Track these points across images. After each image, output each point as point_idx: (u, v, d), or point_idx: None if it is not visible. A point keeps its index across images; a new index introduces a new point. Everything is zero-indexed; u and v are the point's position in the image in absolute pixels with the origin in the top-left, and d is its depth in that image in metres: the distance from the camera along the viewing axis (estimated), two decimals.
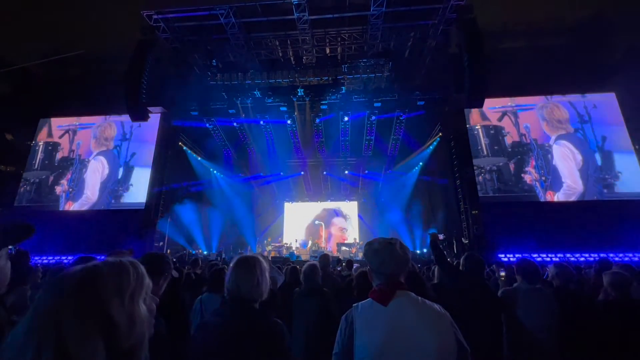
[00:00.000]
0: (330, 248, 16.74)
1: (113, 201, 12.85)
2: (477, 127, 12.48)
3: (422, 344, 1.16)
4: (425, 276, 4.82)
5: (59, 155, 13.86)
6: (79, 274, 0.60)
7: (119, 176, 13.16)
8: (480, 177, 11.80)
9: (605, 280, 2.46)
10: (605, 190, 11.13)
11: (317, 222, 18.38)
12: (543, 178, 11.47)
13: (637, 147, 11.59)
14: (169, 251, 12.22)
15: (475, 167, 11.84)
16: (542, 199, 11.31)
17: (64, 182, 13.34)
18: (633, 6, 11.24)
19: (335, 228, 18.55)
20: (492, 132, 12.37)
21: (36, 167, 13.75)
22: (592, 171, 11.37)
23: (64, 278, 0.59)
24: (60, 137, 14.18)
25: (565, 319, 2.33)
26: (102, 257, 0.84)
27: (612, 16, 12.03)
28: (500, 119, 12.50)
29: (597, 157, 11.54)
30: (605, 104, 12.20)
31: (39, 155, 13.93)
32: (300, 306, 2.81)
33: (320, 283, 3.07)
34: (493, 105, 12.43)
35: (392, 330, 1.20)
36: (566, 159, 11.61)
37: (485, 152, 12.13)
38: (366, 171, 16.64)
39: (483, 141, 12.28)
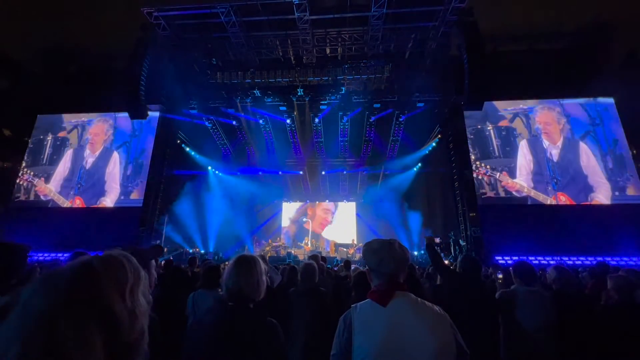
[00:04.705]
0: (328, 248, 16.69)
1: (122, 197, 12.75)
2: (488, 128, 12.47)
3: (422, 345, 1.15)
4: (423, 277, 4.82)
5: (67, 151, 13.72)
6: (73, 268, 0.58)
7: (129, 172, 13.06)
8: (491, 178, 11.79)
9: (610, 284, 2.46)
10: (617, 193, 11.16)
11: (304, 219, 18.47)
12: (555, 180, 11.47)
13: (634, 152, 11.65)
14: (165, 249, 12.17)
15: (487, 168, 11.87)
16: (550, 200, 11.33)
17: (71, 177, 13.24)
18: (631, 13, 11.31)
19: (320, 209, 18.77)
20: (503, 133, 12.36)
21: (44, 162, 13.61)
22: (604, 173, 11.44)
23: (57, 274, 0.57)
24: (69, 132, 14.05)
25: (564, 322, 2.33)
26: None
27: (611, 22, 12.10)
28: (511, 121, 12.51)
29: (609, 159, 11.60)
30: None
31: (47, 150, 13.77)
32: (298, 306, 2.80)
33: (317, 283, 3.06)
34: (505, 107, 12.51)
35: (391, 332, 1.18)
36: (578, 161, 11.68)
37: (497, 153, 12.14)
38: (365, 172, 16.62)
39: (495, 142, 12.27)
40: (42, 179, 13.21)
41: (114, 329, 0.56)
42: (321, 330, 2.55)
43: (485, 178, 11.74)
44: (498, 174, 11.72)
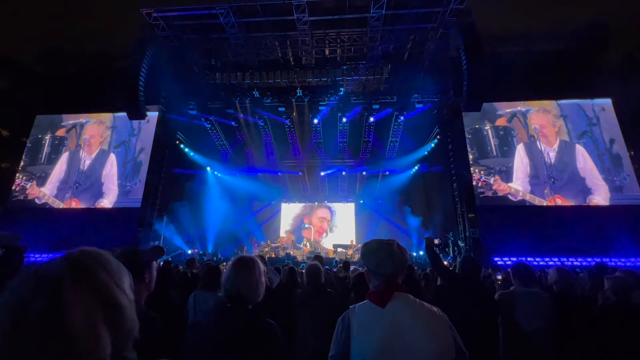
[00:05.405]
0: (325, 250, 16.69)
1: (121, 197, 12.68)
2: (486, 128, 12.49)
3: (420, 346, 1.15)
4: (420, 277, 4.82)
5: (65, 150, 13.66)
6: (64, 262, 0.57)
7: (127, 172, 13.01)
8: (491, 179, 11.78)
9: (607, 285, 2.47)
10: (613, 193, 11.17)
11: (306, 225, 18.38)
12: (552, 180, 11.48)
13: (631, 152, 11.69)
14: (164, 250, 12.12)
15: (484, 168, 11.88)
16: (546, 203, 11.32)
17: (67, 179, 13.15)
18: (629, 14, 11.37)
19: (316, 217, 18.59)
20: (501, 133, 12.40)
21: (42, 161, 13.53)
22: (601, 174, 11.45)
23: (47, 271, 0.55)
24: (67, 131, 13.99)
25: (563, 323, 2.33)
26: None
27: (609, 23, 12.15)
28: (509, 121, 12.53)
29: (606, 159, 11.62)
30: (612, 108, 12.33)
31: (45, 150, 13.69)
32: (305, 307, 2.78)
33: (324, 284, 3.05)
34: (503, 107, 12.56)
35: (389, 333, 1.18)
36: (575, 163, 11.68)
37: (494, 153, 12.16)
38: (364, 173, 16.63)
39: (492, 142, 12.29)
40: (35, 182, 13.12)
41: (120, 317, 0.57)
42: (330, 331, 2.52)
43: (480, 184, 11.75)
44: (492, 178, 11.73)
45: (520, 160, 11.89)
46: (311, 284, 2.92)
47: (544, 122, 12.34)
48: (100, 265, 0.60)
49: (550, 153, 11.87)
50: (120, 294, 0.59)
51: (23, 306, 0.50)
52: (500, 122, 12.54)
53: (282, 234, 17.93)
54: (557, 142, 12.02)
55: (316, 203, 18.84)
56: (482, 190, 11.64)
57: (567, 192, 11.34)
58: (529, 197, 11.41)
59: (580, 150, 11.81)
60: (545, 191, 11.42)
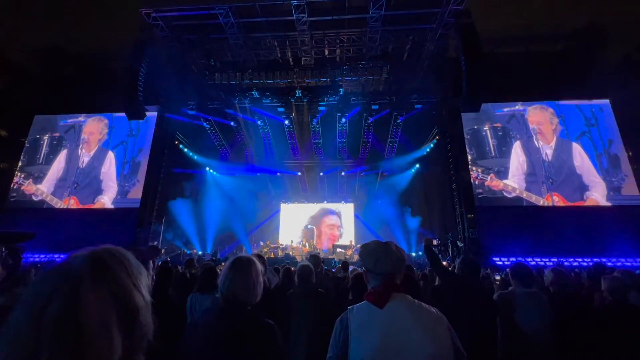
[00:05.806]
0: (326, 249, 16.67)
1: (119, 197, 12.67)
2: (485, 129, 12.51)
3: (418, 347, 1.15)
4: (419, 278, 4.82)
5: (63, 150, 13.64)
6: (84, 261, 0.56)
7: (126, 172, 13.00)
8: (487, 177, 11.78)
9: (604, 285, 2.47)
10: (611, 193, 11.19)
11: (309, 226, 18.30)
12: (550, 180, 11.50)
13: (630, 153, 11.71)
14: (163, 251, 12.11)
15: (482, 169, 11.90)
16: (542, 200, 11.32)
17: (66, 176, 13.13)
18: (627, 15, 11.41)
19: (325, 225, 18.49)
20: (500, 133, 12.42)
21: (40, 161, 13.51)
22: (597, 174, 11.46)
23: (66, 269, 0.54)
24: (66, 131, 13.98)
25: (561, 324, 2.34)
26: None
27: (608, 25, 12.19)
28: (508, 121, 12.56)
29: (604, 160, 11.63)
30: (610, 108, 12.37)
31: (44, 150, 13.68)
32: (297, 308, 2.77)
33: (315, 284, 3.04)
34: (501, 107, 12.58)
35: (388, 334, 1.18)
36: (572, 160, 11.69)
37: (493, 154, 12.18)
38: (363, 173, 16.62)
39: (491, 142, 12.31)
40: (31, 179, 13.12)
41: (134, 320, 0.56)
42: (323, 332, 2.52)
43: (477, 181, 11.75)
44: (488, 177, 11.74)
45: (517, 158, 11.92)
46: (302, 284, 2.92)
47: (541, 119, 12.37)
48: (121, 265, 0.59)
49: (547, 151, 11.90)
50: (137, 296, 0.58)
51: (42, 304, 0.49)
52: (499, 122, 12.56)
53: (303, 245, 17.23)
54: (554, 139, 12.05)
55: (317, 203, 18.76)
56: (480, 190, 11.66)
57: (564, 189, 11.36)
58: (525, 195, 11.43)
59: (577, 149, 11.84)
60: (542, 188, 11.43)
